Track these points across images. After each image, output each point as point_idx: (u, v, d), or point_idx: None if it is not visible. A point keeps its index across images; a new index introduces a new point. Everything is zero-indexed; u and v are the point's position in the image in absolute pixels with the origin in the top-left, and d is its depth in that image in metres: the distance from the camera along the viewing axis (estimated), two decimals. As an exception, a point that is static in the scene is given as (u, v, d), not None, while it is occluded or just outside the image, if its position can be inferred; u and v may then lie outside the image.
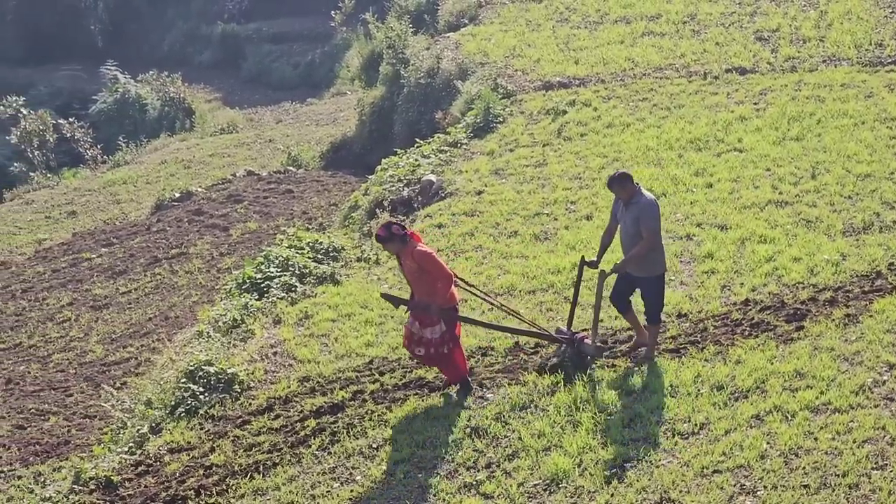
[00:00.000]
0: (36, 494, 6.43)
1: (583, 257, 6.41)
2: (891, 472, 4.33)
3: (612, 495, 4.54)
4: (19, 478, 8.13)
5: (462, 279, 6.32)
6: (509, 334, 6.59)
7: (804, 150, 9.57)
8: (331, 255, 9.80)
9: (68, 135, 26.40)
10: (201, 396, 7.01)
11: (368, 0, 27.58)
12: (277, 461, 5.61)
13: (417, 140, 13.16)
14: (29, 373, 11.10)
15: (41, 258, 16.26)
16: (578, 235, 8.35)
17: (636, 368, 5.89)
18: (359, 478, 5.33)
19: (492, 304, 6.65)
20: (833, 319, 5.98)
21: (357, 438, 5.66)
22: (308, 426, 5.95)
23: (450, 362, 6.03)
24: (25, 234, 18.34)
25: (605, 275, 6.03)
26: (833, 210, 8.08)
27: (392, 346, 7.00)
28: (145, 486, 6.02)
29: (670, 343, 6.12)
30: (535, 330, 6.46)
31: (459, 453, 5.30)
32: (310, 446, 5.66)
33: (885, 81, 11.41)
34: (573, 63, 13.98)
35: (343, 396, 6.32)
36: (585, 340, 6.13)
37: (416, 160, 11.83)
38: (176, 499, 5.60)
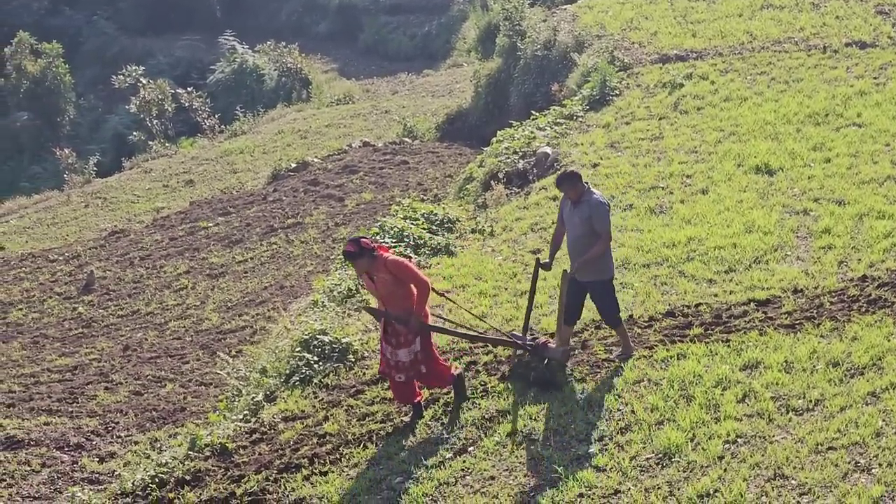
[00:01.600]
0: (152, 460, 6.36)
1: (538, 259, 6.21)
2: None
3: (725, 470, 4.49)
4: (136, 443, 8.23)
5: (433, 288, 5.95)
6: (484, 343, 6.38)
7: None
8: (445, 226, 9.88)
9: (186, 104, 27.19)
10: (316, 365, 6.99)
11: (485, -28, 27.46)
12: (391, 431, 5.67)
13: (533, 112, 13.31)
14: (146, 340, 11.36)
15: (159, 226, 16.67)
16: (694, 209, 8.36)
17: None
18: (471, 449, 5.30)
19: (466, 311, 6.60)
20: (953, 296, 5.79)
21: (470, 410, 5.70)
22: (421, 396, 5.93)
23: (433, 376, 5.69)
24: (144, 203, 19.01)
25: (568, 275, 5.86)
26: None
27: (506, 317, 7.05)
28: (259, 454, 5.99)
29: (786, 319, 6.04)
30: (499, 337, 6.18)
31: (572, 426, 5.28)
32: (422, 416, 5.71)
33: None
34: (690, 36, 13.82)
35: (457, 367, 6.28)
36: (549, 345, 5.95)
37: (532, 132, 11.98)
38: (290, 466, 5.58)
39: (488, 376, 6.12)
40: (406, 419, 5.75)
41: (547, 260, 6.08)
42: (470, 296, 7.79)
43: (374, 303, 6.22)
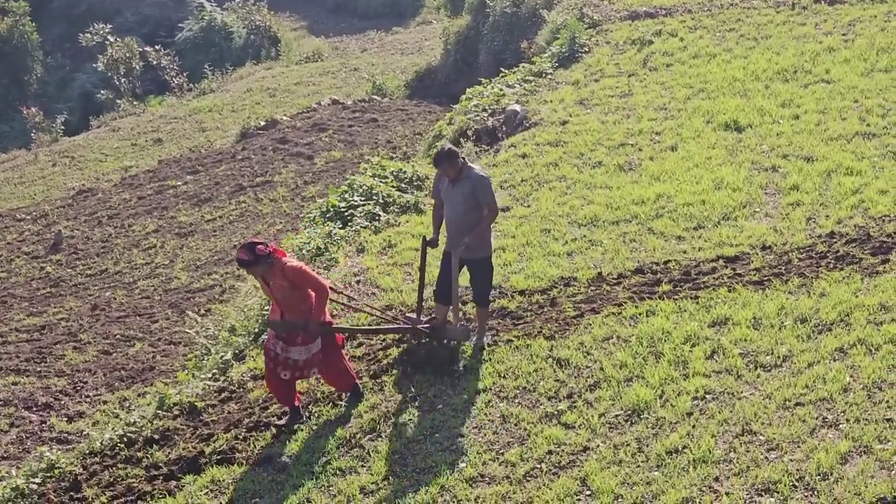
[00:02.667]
0: (121, 419, 6.34)
1: (424, 237, 6.04)
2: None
3: (694, 427, 4.50)
4: (105, 402, 8.19)
5: (333, 287, 5.81)
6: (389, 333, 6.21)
7: (893, 82, 9.29)
8: (415, 184, 9.78)
9: (154, 62, 26.61)
10: None
11: (455, -74, 27.11)
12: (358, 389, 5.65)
13: (502, 69, 13.12)
14: (115, 299, 11.31)
15: (127, 185, 16.48)
16: (663, 166, 8.31)
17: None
18: (440, 406, 5.29)
19: (364, 310, 6.41)
20: (920, 252, 5.85)
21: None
22: (390, 355, 5.97)
23: (337, 374, 5.58)
24: (112, 161, 18.71)
25: (456, 254, 5.70)
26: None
27: None
28: (228, 413, 6.00)
29: (754, 275, 6.04)
30: (399, 326, 6.04)
31: (541, 383, 5.25)
32: (392, 374, 5.67)
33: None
34: (660, -8, 13.57)
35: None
36: (447, 325, 5.84)
37: (501, 90, 11.82)
38: (259, 425, 5.61)
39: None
40: (282, 422, 5.52)
41: (433, 237, 5.95)
42: (438, 253, 7.30)
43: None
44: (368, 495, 4.59)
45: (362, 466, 4.85)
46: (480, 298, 5.91)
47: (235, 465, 5.16)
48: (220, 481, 5.05)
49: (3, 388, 8.72)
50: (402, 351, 5.97)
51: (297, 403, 5.60)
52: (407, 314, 6.23)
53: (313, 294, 5.25)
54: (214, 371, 6.63)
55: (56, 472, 5.71)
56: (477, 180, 5.61)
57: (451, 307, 5.82)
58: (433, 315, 5.95)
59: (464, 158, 5.70)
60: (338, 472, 4.84)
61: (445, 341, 5.85)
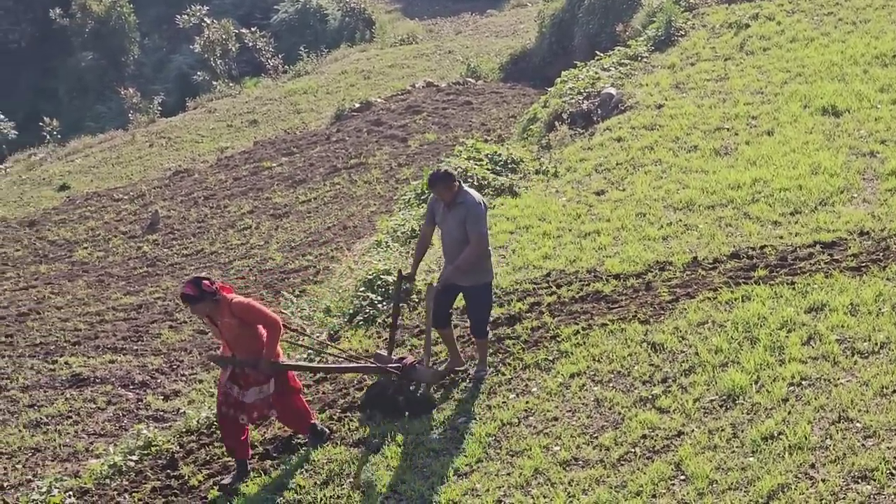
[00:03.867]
0: (216, 398, 6.32)
1: (400, 271, 5.82)
2: None
3: (790, 413, 4.47)
4: (200, 381, 8.29)
5: (286, 324, 5.67)
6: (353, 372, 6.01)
7: None
8: (509, 167, 10.02)
9: (250, 44, 27.37)
10: (379, 305, 7.07)
11: None
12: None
13: (597, 53, 13.33)
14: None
15: (223, 166, 16.95)
16: (759, 151, 8.39)
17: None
18: (534, 389, 5.35)
19: (320, 350, 6.34)
20: None
21: (533, 350, 5.76)
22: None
23: (291, 416, 5.30)
24: (208, 143, 19.27)
25: (434, 288, 5.44)
26: None
27: (570, 258, 7.19)
28: (323, 393, 6.10)
29: (852, 261, 6.04)
30: (363, 365, 5.81)
31: (636, 367, 5.29)
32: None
33: None
34: (758, -25, 13.43)
35: (520, 308, 6.39)
36: (417, 366, 5.50)
37: (596, 73, 12.05)
38: (353, 406, 5.68)
39: (551, 317, 6.13)
40: (226, 480, 5.16)
41: (410, 272, 5.71)
42: (533, 237, 7.89)
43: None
44: (462, 477, 4.67)
45: (456, 448, 4.95)
46: (478, 331, 5.61)
47: (330, 445, 5.23)
48: (314, 461, 5.13)
49: (100, 366, 8.87)
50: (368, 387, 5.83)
51: (246, 456, 5.29)
52: (377, 352, 5.91)
53: (264, 332, 4.99)
54: (310, 352, 6.56)
55: (153, 449, 5.87)
56: (470, 206, 5.32)
57: (426, 348, 5.60)
58: (404, 355, 5.71)
59: (460, 182, 5.43)
60: (431, 453, 4.95)
61: (413, 385, 5.57)
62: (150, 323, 10.09)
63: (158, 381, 8.48)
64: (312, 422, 5.35)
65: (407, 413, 5.36)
